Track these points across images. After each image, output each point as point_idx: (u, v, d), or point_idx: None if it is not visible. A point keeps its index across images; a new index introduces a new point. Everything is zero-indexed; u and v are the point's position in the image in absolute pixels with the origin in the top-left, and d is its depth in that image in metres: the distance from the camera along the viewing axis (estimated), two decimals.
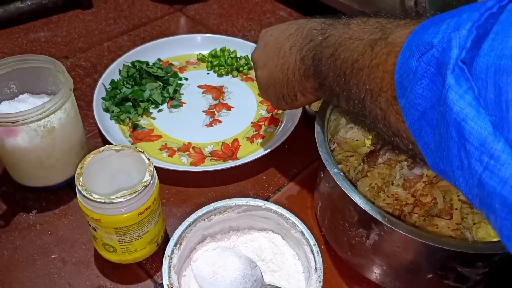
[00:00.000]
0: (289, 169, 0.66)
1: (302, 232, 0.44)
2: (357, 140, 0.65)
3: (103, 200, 0.46)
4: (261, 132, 0.70)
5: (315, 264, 0.42)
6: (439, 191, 0.52)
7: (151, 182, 0.49)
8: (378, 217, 0.44)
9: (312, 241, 0.43)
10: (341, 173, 0.48)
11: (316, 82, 0.46)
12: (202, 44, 0.83)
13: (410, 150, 0.34)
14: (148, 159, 0.50)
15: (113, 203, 0.46)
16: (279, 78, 0.51)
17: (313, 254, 0.42)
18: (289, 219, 0.45)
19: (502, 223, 0.23)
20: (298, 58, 0.47)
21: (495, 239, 0.52)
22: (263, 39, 0.54)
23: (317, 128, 0.53)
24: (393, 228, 0.44)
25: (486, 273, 0.48)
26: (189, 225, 0.45)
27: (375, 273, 0.52)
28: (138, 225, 0.50)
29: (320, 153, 0.50)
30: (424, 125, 0.28)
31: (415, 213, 0.52)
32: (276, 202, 0.62)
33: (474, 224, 0.55)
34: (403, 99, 0.30)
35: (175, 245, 0.44)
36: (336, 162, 0.50)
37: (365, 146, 0.63)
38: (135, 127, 0.69)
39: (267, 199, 0.62)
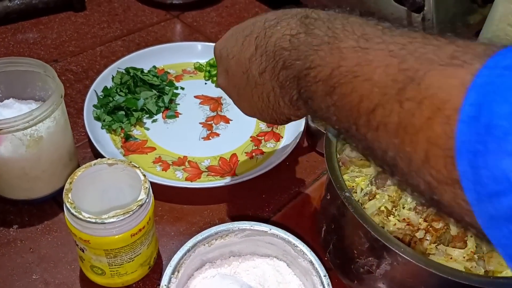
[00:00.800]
0: (290, 188, 0.63)
1: (311, 261, 0.40)
2: (362, 159, 0.63)
3: (93, 220, 0.42)
4: (261, 147, 0.67)
5: None
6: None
7: (147, 201, 0.45)
8: (393, 247, 0.41)
9: (322, 271, 0.40)
10: (353, 198, 0.45)
11: (312, 116, 0.38)
12: (200, 52, 0.79)
13: (464, 224, 0.26)
14: (144, 176, 0.46)
15: (104, 223, 0.42)
16: (262, 107, 0.41)
17: (323, 286, 0.39)
18: (297, 246, 0.41)
19: None
20: (275, 86, 0.37)
21: (509, 273, 0.50)
22: (221, 63, 0.44)
23: (326, 148, 0.50)
24: (409, 259, 0.41)
25: None
26: (188, 250, 0.41)
27: None
28: (131, 247, 0.46)
29: (330, 175, 0.47)
30: None
31: (427, 239, 0.49)
32: (276, 223, 0.58)
33: (487, 253, 0.52)
34: (480, 198, 0.22)
35: (173, 273, 0.40)
36: (346, 184, 0.47)
37: (371, 166, 0.60)
38: (127, 137, 0.65)
39: (267, 219, 0.59)
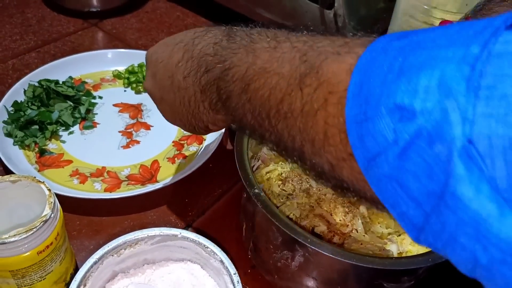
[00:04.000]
0: (214, 190, 0.63)
1: (221, 261, 0.41)
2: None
3: None
4: (183, 151, 0.67)
5: None
6: (359, 221, 0.51)
7: (52, 216, 0.43)
8: (301, 239, 0.42)
9: (232, 270, 0.40)
10: (262, 194, 0.45)
11: (229, 118, 0.39)
12: (118, 60, 0.78)
13: (369, 200, 0.28)
14: (49, 190, 0.45)
15: (5, 243, 0.41)
16: (183, 112, 0.42)
17: (233, 285, 0.39)
18: (207, 247, 0.41)
19: None
20: (197, 90, 0.39)
21: (420, 251, 0.52)
22: (150, 67, 0.45)
23: (236, 146, 0.50)
24: (317, 249, 0.42)
25: (412, 285, 0.48)
26: (95, 262, 0.40)
27: None
28: (39, 265, 0.44)
29: (240, 173, 0.47)
30: (403, 197, 0.23)
31: (334, 243, 0.50)
32: (200, 227, 0.58)
33: (399, 235, 0.55)
34: (368, 163, 0.24)
35: (78, 287, 0.38)
36: (257, 181, 0.47)
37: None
38: (42, 152, 0.63)
39: (190, 224, 0.58)
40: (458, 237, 0.21)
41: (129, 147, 0.66)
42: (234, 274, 0.40)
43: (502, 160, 0.18)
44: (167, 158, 0.65)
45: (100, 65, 0.77)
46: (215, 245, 0.42)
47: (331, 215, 0.52)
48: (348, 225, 0.51)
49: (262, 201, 0.44)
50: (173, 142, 0.68)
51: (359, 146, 0.25)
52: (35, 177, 0.46)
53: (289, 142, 0.31)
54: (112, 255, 0.41)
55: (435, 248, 0.23)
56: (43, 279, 0.45)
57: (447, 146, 0.20)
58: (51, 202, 0.44)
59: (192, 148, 0.67)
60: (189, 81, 0.40)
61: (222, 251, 0.41)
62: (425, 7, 0.66)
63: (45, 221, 0.42)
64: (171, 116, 0.46)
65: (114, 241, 0.41)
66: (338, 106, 0.26)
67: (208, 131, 0.45)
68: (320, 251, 0.42)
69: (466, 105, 0.19)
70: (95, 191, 0.59)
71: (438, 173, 0.21)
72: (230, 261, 0.40)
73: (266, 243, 0.49)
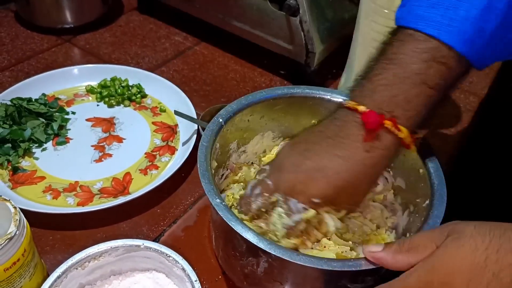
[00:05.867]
0: (186, 198, 0.64)
1: (183, 269, 0.42)
2: (252, 163, 0.65)
3: None
4: (156, 162, 0.68)
5: None
6: (321, 234, 0.52)
7: (17, 233, 0.44)
8: (261, 245, 0.43)
9: (193, 277, 0.41)
10: (223, 203, 0.46)
11: None
12: (91, 75, 0.79)
13: None
14: (15, 208, 0.46)
15: None
16: (365, 182, 0.47)
17: None
18: (169, 256, 0.43)
19: None
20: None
21: None
22: (310, 182, 0.48)
23: (199, 157, 0.52)
24: (277, 255, 0.43)
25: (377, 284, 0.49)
26: (58, 277, 0.41)
27: None
28: (7, 281, 0.45)
29: (202, 183, 0.48)
30: None
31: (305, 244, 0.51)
32: (171, 235, 0.59)
33: (365, 237, 0.56)
34: None
35: None
36: (219, 191, 0.48)
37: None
38: (15, 170, 0.64)
39: (162, 233, 0.59)
40: None
41: (102, 161, 0.67)
42: (195, 281, 0.41)
43: None
44: (139, 169, 0.66)
45: (73, 81, 0.78)
46: (177, 254, 0.43)
47: None
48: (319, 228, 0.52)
49: (223, 210, 0.46)
50: (145, 153, 0.69)
51: None
52: (0, 196, 0.47)
53: None
54: (76, 268, 0.42)
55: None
56: None
57: None
58: (17, 220, 0.45)
59: (164, 159, 0.68)
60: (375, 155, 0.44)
61: (183, 259, 0.42)
62: (386, 11, 0.68)
63: (10, 239, 0.43)
64: (350, 199, 0.49)
65: (77, 254, 0.42)
66: None
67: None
68: (280, 256, 0.43)
69: None
70: (67, 205, 0.60)
71: None
72: (191, 269, 0.42)
73: (233, 250, 0.50)
